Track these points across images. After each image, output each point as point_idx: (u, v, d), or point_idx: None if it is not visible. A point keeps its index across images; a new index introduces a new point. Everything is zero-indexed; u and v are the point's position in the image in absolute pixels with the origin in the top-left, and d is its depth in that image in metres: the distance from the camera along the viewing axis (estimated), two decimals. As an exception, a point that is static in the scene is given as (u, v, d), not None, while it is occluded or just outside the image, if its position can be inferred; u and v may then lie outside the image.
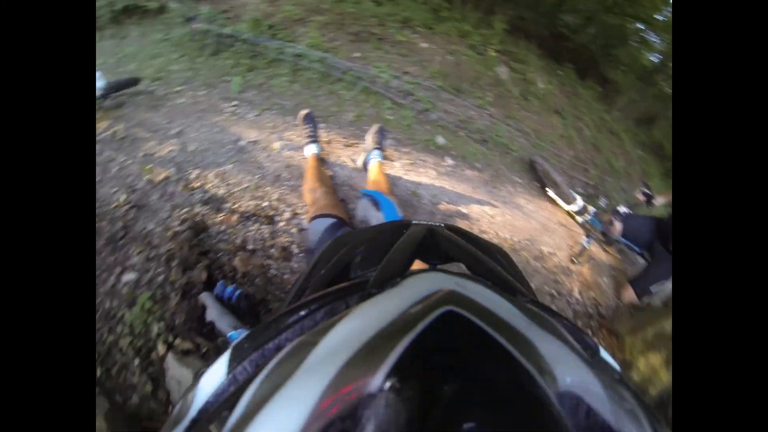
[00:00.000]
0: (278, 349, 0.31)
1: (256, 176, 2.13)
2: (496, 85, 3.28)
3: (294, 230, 1.90)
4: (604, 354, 0.39)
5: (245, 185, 2.08)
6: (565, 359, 0.26)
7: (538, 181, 2.92)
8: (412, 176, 2.42)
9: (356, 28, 3.03)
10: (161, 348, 1.47)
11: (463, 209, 2.35)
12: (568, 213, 2.72)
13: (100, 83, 2.51)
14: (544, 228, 2.52)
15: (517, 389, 0.20)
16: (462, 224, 2.25)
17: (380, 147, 2.18)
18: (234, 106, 2.67)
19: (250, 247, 1.81)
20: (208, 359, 1.40)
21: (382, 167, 2.07)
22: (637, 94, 4.77)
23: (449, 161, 2.67)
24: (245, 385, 0.25)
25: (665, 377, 1.83)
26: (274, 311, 1.64)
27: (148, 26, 3.43)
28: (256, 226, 1.89)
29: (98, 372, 1.48)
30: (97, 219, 1.90)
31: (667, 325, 2.03)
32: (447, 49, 3.19)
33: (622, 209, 2.36)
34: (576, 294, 2.20)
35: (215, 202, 1.99)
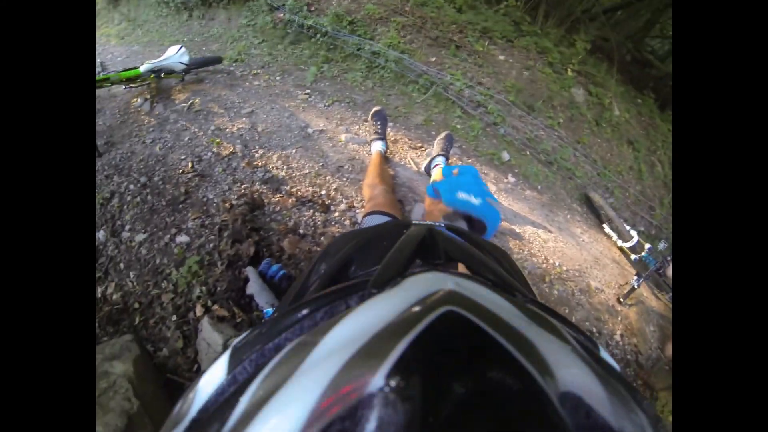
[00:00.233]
0: (278, 349, 0.31)
1: (319, 164, 2.13)
2: (569, 107, 3.12)
3: (347, 222, 1.87)
4: (605, 354, 0.38)
5: (306, 171, 2.08)
6: (565, 359, 0.25)
7: (595, 214, 2.75)
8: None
9: (435, 33, 2.99)
10: (199, 310, 1.53)
11: (517, 229, 2.24)
12: (621, 249, 2.57)
13: (185, 58, 2.63)
14: (595, 261, 2.35)
15: (518, 390, 0.20)
16: (513, 244, 2.15)
17: (445, 154, 2.13)
18: (306, 94, 2.71)
19: (301, 231, 1.81)
20: (241, 329, 1.46)
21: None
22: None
23: (511, 178, 2.56)
24: (245, 385, 0.25)
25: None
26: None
27: (234, 11, 3.59)
28: (311, 212, 1.88)
29: (137, 320, 1.56)
30: (163, 181, 1.98)
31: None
32: (524, 64, 3.08)
33: None
34: (617, 337, 2.03)
35: (275, 183, 2.00)
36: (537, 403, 0.20)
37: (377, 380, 0.19)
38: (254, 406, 0.21)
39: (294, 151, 2.20)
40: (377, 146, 2.10)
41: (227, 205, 1.84)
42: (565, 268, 2.17)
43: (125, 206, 1.90)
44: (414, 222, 0.69)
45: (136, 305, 1.59)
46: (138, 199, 1.91)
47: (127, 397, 1.19)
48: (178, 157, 2.12)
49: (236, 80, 2.84)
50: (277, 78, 2.89)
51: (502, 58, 3.08)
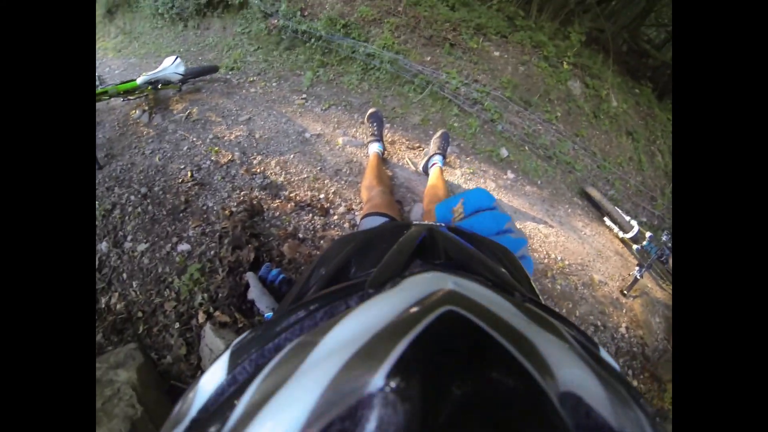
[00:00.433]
0: (278, 349, 0.31)
1: (317, 168, 2.14)
2: (566, 101, 3.10)
3: (346, 225, 1.88)
4: (605, 354, 0.38)
5: (305, 176, 2.09)
6: (565, 359, 0.25)
7: (596, 207, 2.74)
8: (471, 186, 2.33)
9: (429, 32, 2.99)
10: (201, 317, 1.54)
11: (518, 225, 2.23)
12: (623, 241, 2.56)
13: (180, 69, 2.65)
14: (598, 254, 2.34)
15: (518, 390, 0.20)
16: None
17: (442, 152, 2.13)
18: (303, 99, 2.73)
19: (300, 235, 1.82)
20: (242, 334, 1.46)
21: (442, 173, 2.01)
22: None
23: (510, 175, 2.55)
24: (245, 385, 0.25)
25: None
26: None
27: (229, 20, 3.61)
28: (310, 216, 1.89)
29: (140, 329, 1.58)
30: (163, 191, 2.00)
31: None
32: (519, 59, 3.07)
33: None
34: (622, 330, 2.02)
35: (273, 189, 2.02)
36: (537, 403, 0.20)
37: (377, 380, 0.19)
38: (254, 406, 0.21)
39: (292, 156, 2.21)
40: (374, 148, 2.11)
41: (227, 212, 1.85)
42: (567, 263, 2.17)
43: (127, 217, 1.92)
44: (414, 222, 0.68)
45: (140, 314, 1.61)
46: (139, 209, 1.93)
47: (131, 404, 1.21)
48: (178, 167, 2.13)
49: (233, 88, 2.86)
50: (274, 84, 2.90)
51: (497, 54, 3.08)
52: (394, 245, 0.48)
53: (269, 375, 0.24)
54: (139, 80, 2.52)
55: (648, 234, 2.41)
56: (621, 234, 2.53)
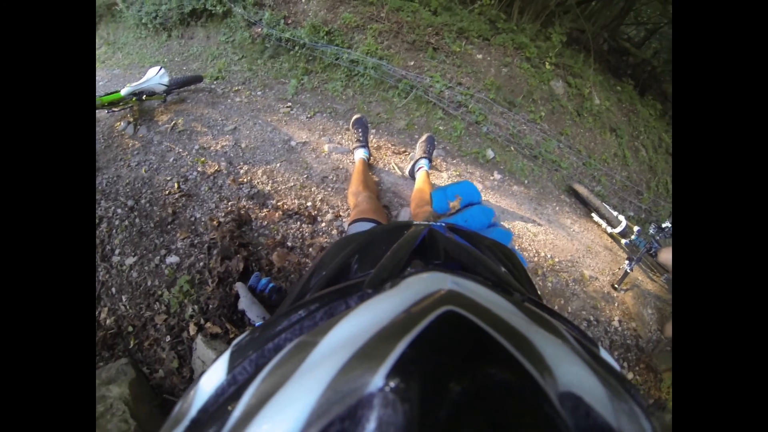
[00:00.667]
0: (278, 349, 0.31)
1: (303, 176, 2.16)
2: (550, 100, 3.15)
3: (334, 231, 1.89)
4: (605, 354, 0.38)
5: (291, 184, 2.10)
6: (565, 359, 0.25)
7: (583, 203, 2.79)
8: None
9: (412, 36, 3.02)
10: (192, 329, 1.54)
11: (506, 225, 2.26)
12: (612, 236, 2.60)
13: (165, 79, 2.65)
14: (587, 250, 2.37)
15: (518, 390, 0.20)
16: (503, 241, 2.15)
17: (428, 156, 2.15)
18: (288, 107, 2.74)
19: (289, 243, 1.83)
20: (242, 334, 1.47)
21: (428, 176, 2.03)
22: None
23: (497, 175, 2.58)
24: (245, 385, 0.25)
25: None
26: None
27: (213, 29, 3.60)
28: (298, 224, 1.90)
29: (131, 343, 1.57)
30: (150, 204, 1.99)
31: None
32: (502, 61, 3.11)
33: (666, 225, 2.20)
34: (615, 323, 2.05)
35: (261, 198, 2.02)
36: (536, 402, 0.20)
37: (377, 380, 0.19)
38: (254, 406, 0.21)
39: (278, 164, 2.22)
40: (360, 154, 2.13)
41: (215, 222, 1.86)
42: (557, 260, 2.20)
43: (114, 230, 1.91)
44: (414, 222, 0.68)
45: (130, 328, 1.61)
46: (126, 222, 1.93)
47: (123, 419, 1.22)
48: (164, 179, 2.13)
49: (218, 98, 2.86)
50: (259, 93, 2.91)
51: (479, 57, 3.11)
52: (395, 245, 0.48)
53: (269, 375, 0.24)
54: (124, 91, 2.51)
55: (636, 228, 2.45)
56: (609, 229, 2.56)
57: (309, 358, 0.24)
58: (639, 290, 2.30)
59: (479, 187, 2.42)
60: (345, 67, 2.94)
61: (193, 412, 0.27)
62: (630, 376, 1.87)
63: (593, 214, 2.69)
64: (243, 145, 2.35)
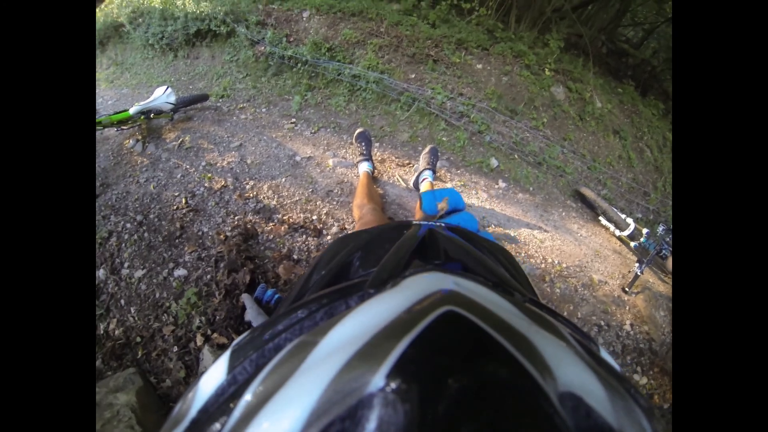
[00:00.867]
0: (278, 349, 0.31)
1: (308, 190, 2.18)
2: (551, 106, 3.17)
3: (340, 244, 1.90)
4: (604, 353, 0.38)
5: (297, 198, 2.13)
6: (565, 359, 0.25)
7: (590, 207, 2.78)
8: (463, 198, 2.37)
9: (412, 50, 3.07)
10: (199, 339, 1.57)
11: (512, 233, 2.26)
12: (620, 239, 2.57)
13: (171, 98, 2.71)
14: (596, 254, 2.36)
15: (518, 390, 0.20)
16: (509, 248, 2.16)
17: (432, 167, 2.17)
18: (292, 123, 2.78)
19: (295, 256, 1.85)
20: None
21: (432, 188, 2.05)
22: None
23: (502, 184, 2.60)
24: (245, 385, 0.25)
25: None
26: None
27: (217, 48, 3.69)
28: (303, 237, 1.92)
29: (139, 354, 1.60)
30: (159, 218, 2.03)
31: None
32: (502, 70, 3.14)
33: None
34: (627, 327, 2.02)
35: (267, 212, 2.05)
36: (537, 402, 0.20)
37: (377, 380, 0.19)
38: (254, 406, 0.22)
39: (284, 179, 2.25)
40: (364, 167, 2.15)
41: (222, 236, 1.88)
42: (564, 266, 2.19)
43: (123, 244, 1.94)
44: (414, 222, 0.68)
45: (138, 339, 1.63)
46: (135, 236, 1.96)
47: (130, 425, 1.24)
48: (172, 194, 2.17)
49: (224, 115, 2.92)
50: (263, 110, 2.96)
51: (479, 66, 3.15)
52: (395, 245, 0.48)
53: (269, 375, 0.24)
54: (132, 110, 2.57)
55: (645, 230, 2.43)
56: (618, 232, 2.54)
57: (309, 358, 0.24)
58: (650, 293, 2.27)
59: (484, 196, 2.43)
60: (347, 82, 2.99)
61: (193, 412, 0.28)
62: (644, 380, 1.84)
63: (600, 218, 2.67)
64: (249, 161, 2.39)
